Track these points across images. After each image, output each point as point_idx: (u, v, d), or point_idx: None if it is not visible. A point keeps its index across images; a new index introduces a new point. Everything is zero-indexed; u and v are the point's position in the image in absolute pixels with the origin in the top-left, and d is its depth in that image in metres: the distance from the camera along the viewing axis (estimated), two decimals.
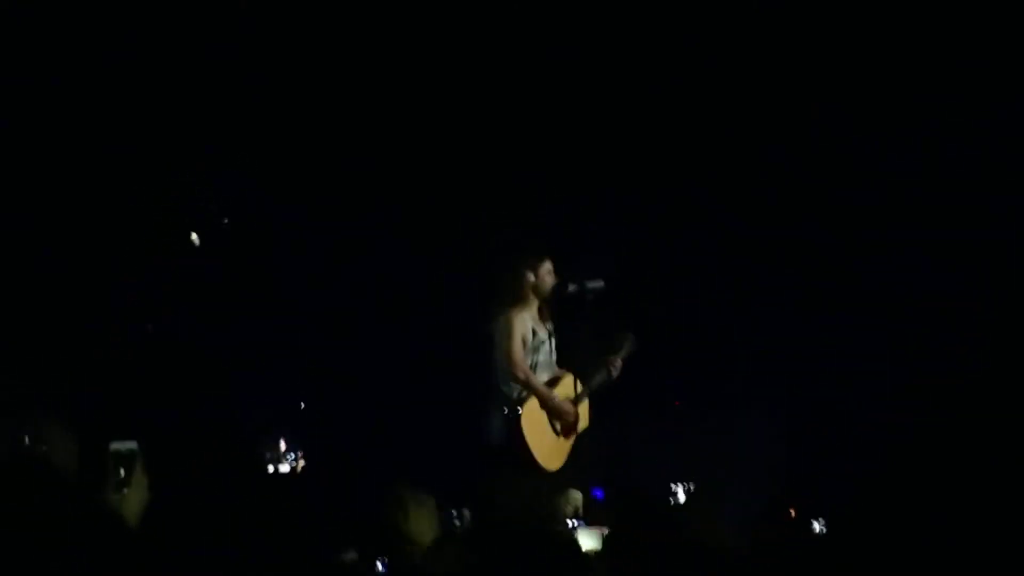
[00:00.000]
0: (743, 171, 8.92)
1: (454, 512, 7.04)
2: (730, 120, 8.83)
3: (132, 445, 5.26)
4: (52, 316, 7.79)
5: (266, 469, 7.73)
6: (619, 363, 7.74)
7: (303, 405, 8.13)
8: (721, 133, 8.88)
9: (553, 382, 7.59)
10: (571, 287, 7.65)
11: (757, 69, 8.70)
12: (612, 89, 8.81)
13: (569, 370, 7.67)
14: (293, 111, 8.43)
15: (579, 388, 7.64)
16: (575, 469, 7.57)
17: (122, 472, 5.29)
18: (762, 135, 8.82)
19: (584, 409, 7.69)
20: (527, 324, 7.52)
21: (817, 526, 8.30)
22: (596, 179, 9.01)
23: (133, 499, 5.31)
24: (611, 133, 8.94)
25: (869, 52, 8.52)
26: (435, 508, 5.47)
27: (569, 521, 7.48)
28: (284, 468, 7.88)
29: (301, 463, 7.85)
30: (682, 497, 8.17)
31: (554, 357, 7.66)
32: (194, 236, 7.97)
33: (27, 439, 5.33)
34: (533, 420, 7.42)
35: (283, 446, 7.85)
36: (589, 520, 7.36)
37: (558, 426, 7.56)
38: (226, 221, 8.05)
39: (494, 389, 7.43)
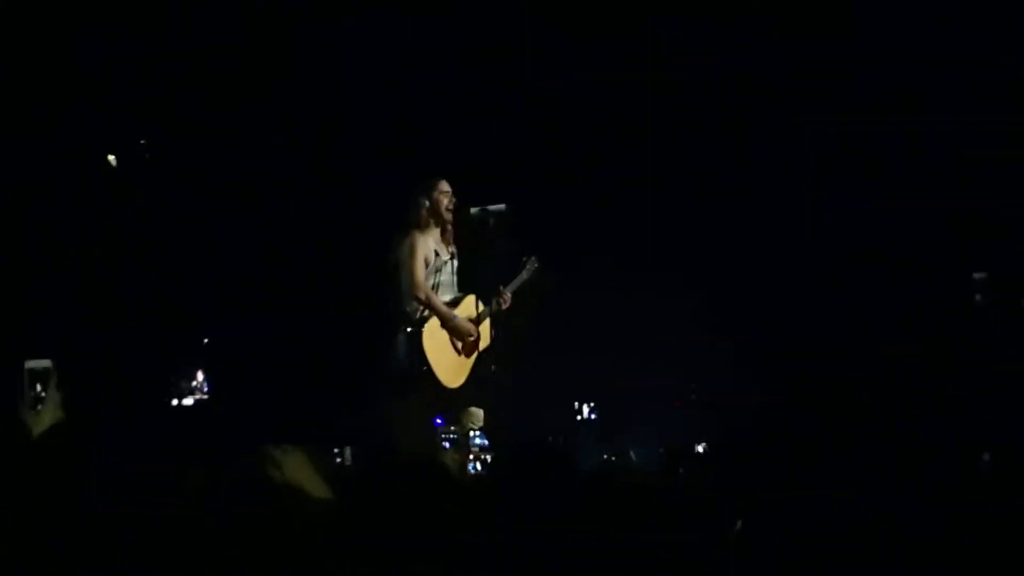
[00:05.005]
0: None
1: (336, 450, 7.74)
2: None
3: (46, 363, 6.46)
4: None
5: (169, 401, 8.03)
6: (517, 285, 7.87)
7: (206, 340, 8.29)
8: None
9: (455, 302, 7.92)
10: (473, 210, 7.84)
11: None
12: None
13: (471, 291, 7.93)
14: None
15: (480, 308, 7.89)
16: (477, 386, 7.91)
17: (37, 389, 6.64)
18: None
19: (485, 328, 7.94)
20: (429, 246, 7.86)
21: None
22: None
23: (46, 417, 6.79)
24: None
25: None
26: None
27: (472, 435, 8.00)
28: (188, 401, 8.13)
29: (204, 396, 8.06)
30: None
31: (456, 278, 7.93)
32: (111, 157, 7.97)
33: None
34: (434, 339, 7.83)
35: (200, 376, 8.13)
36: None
37: (459, 345, 7.92)
38: (143, 142, 8.05)
39: (398, 310, 7.94)
